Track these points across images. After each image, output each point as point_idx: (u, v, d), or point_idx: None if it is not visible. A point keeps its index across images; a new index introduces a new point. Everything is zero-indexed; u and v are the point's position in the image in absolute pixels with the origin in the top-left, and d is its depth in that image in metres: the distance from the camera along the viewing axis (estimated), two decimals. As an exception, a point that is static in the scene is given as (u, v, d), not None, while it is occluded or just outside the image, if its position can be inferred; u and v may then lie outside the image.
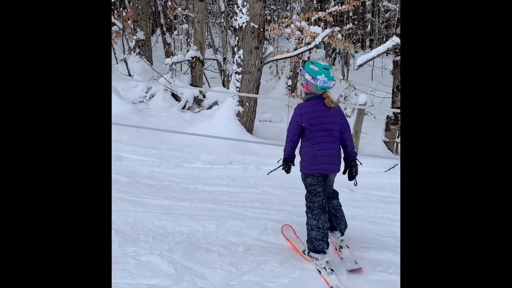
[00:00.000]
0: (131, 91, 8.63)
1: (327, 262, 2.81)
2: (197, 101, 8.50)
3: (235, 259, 2.89)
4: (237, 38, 6.59)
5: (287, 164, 3.11)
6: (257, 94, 6.64)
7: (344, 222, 3.11)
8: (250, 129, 6.61)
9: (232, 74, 6.71)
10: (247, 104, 6.56)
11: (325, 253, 2.85)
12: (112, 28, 11.19)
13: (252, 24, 6.30)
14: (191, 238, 3.20)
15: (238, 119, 6.48)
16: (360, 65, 6.41)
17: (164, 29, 11.60)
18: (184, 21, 12.72)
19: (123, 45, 10.52)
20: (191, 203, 3.95)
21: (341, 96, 9.84)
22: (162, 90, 8.33)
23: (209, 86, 9.82)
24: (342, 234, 3.10)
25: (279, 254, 3.02)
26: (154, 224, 3.40)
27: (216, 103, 8.27)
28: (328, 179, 3.03)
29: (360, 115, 6.24)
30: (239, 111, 6.53)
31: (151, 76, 9.31)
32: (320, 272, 2.82)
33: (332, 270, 2.79)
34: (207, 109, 8.23)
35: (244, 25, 6.36)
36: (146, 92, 8.64)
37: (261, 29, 6.39)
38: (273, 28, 9.60)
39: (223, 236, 3.27)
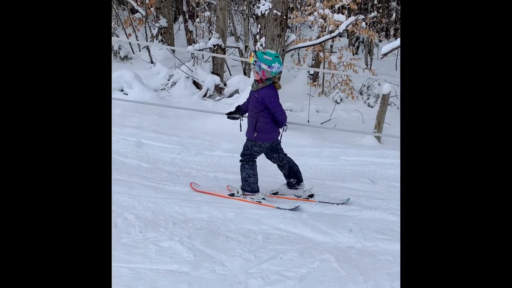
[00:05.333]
0: (153, 78, 8.67)
1: (264, 194, 3.82)
2: (218, 89, 8.50)
3: (254, 247, 2.90)
4: (259, 25, 6.53)
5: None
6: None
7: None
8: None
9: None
10: (268, 92, 6.51)
11: (259, 191, 3.85)
12: (135, 15, 11.25)
13: (274, 11, 6.23)
14: (211, 225, 3.22)
15: (259, 108, 6.44)
16: (385, 54, 6.26)
17: (187, 17, 11.58)
18: (206, 8, 12.66)
19: (145, 32, 10.57)
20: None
21: (364, 85, 9.67)
22: (184, 78, 8.35)
23: (230, 75, 9.77)
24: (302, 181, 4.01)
25: (298, 243, 3.00)
26: (174, 210, 3.43)
27: (237, 91, 8.23)
28: (275, 142, 3.91)
29: (384, 105, 6.13)
30: (260, 99, 6.49)
31: (173, 63, 9.33)
32: (260, 202, 3.73)
33: (264, 199, 3.78)
34: (228, 97, 8.21)
35: (266, 12, 6.29)
36: (168, 80, 8.67)
37: (284, 17, 6.31)
38: (296, 16, 9.48)
39: (242, 224, 3.28)
